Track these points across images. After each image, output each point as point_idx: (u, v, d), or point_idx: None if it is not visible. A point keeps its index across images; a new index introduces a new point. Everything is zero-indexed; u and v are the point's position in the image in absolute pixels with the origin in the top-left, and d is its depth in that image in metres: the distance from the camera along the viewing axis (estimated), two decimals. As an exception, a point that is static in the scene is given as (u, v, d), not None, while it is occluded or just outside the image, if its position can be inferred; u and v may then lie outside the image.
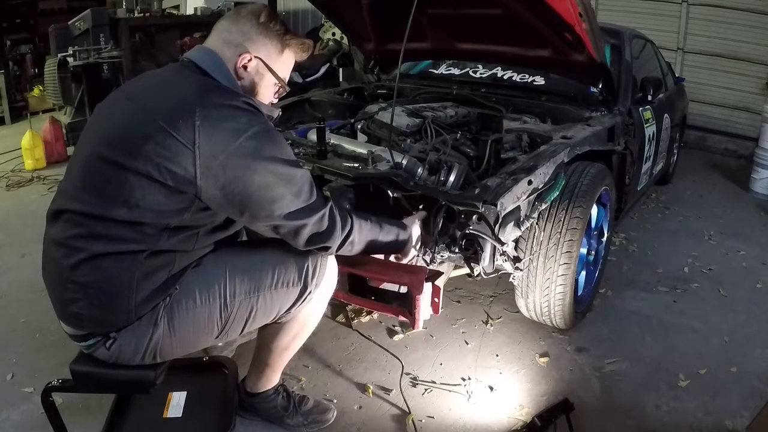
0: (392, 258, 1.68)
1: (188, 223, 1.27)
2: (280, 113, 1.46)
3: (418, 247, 1.69)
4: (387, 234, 1.52)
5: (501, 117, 2.50)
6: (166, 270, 1.28)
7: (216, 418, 1.53)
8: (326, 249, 1.41)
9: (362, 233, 1.44)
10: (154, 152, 1.18)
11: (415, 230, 1.65)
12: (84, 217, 1.23)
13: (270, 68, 1.38)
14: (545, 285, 2.04)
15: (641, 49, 3.43)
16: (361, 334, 2.27)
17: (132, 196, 1.19)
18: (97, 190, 1.22)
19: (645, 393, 2.00)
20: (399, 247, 1.59)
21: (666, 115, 3.40)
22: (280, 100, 1.54)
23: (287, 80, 1.45)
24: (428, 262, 1.79)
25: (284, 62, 1.42)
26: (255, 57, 1.35)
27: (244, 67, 1.35)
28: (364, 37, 2.94)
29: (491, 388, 1.99)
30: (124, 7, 5.85)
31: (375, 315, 2.37)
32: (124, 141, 1.22)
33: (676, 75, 4.57)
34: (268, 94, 1.42)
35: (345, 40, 5.59)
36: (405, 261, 1.70)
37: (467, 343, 2.25)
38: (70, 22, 5.17)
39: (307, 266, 1.45)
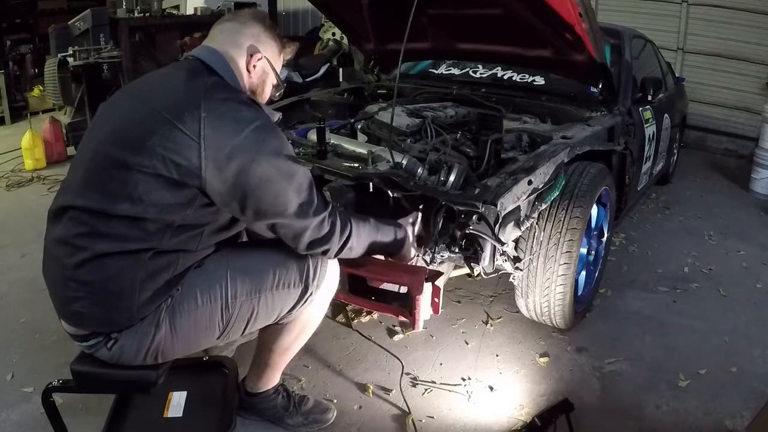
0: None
1: (191, 221, 1.27)
2: (280, 117, 1.49)
3: (415, 246, 1.69)
4: (384, 235, 1.54)
5: (501, 117, 2.51)
6: (169, 271, 1.28)
7: (216, 418, 1.53)
8: (326, 252, 1.42)
9: (360, 237, 1.46)
10: (159, 145, 1.19)
11: (410, 231, 1.66)
12: (87, 214, 1.23)
13: (273, 67, 1.45)
14: (545, 285, 2.04)
15: (641, 49, 3.43)
16: (361, 334, 2.27)
17: (135, 191, 1.20)
18: (102, 186, 1.23)
19: (645, 393, 2.00)
20: (396, 247, 1.60)
21: (666, 115, 3.40)
22: (280, 99, 1.57)
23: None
24: (428, 262, 1.79)
25: (281, 62, 1.50)
26: (264, 57, 1.42)
27: (254, 67, 1.41)
28: (364, 37, 2.94)
29: (491, 388, 1.99)
30: (124, 7, 5.84)
31: (375, 315, 2.37)
32: (128, 137, 1.23)
33: (676, 75, 4.57)
34: (269, 92, 1.49)
35: (345, 40, 5.58)
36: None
37: (467, 343, 2.25)
38: (70, 22, 5.16)
39: (308, 267, 1.45)
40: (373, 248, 1.52)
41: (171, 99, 1.26)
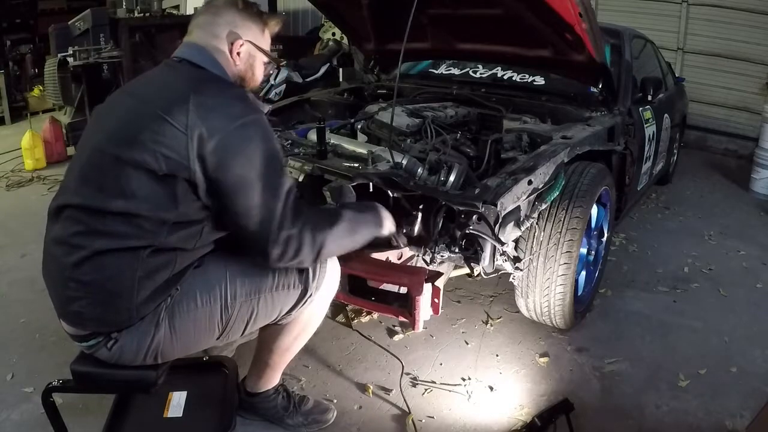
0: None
1: (185, 218, 1.27)
2: (270, 109, 1.48)
3: (395, 232, 1.63)
4: (361, 225, 1.47)
5: (501, 117, 2.51)
6: (168, 269, 1.28)
7: (216, 418, 1.53)
8: (300, 264, 1.36)
9: (335, 241, 1.38)
10: (150, 139, 1.20)
11: (385, 212, 1.59)
12: (83, 211, 1.24)
13: (259, 48, 1.44)
14: (545, 285, 2.04)
15: (641, 49, 3.43)
16: (361, 334, 2.27)
17: (128, 187, 1.21)
18: (97, 183, 1.24)
19: (645, 393, 2.00)
20: (377, 230, 1.53)
21: (666, 115, 3.40)
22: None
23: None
24: (428, 262, 1.79)
25: (267, 39, 1.48)
26: (246, 41, 1.40)
27: (238, 53, 1.40)
28: (364, 37, 2.94)
29: (491, 388, 1.99)
30: (124, 7, 5.84)
31: (375, 315, 2.37)
32: (123, 133, 1.24)
33: (676, 75, 4.57)
34: (261, 72, 1.48)
35: (345, 40, 5.58)
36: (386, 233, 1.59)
37: (467, 343, 2.25)
38: (70, 22, 5.16)
39: (308, 268, 1.45)
40: (354, 243, 1.46)
41: (163, 95, 1.27)
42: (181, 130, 1.20)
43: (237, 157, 1.23)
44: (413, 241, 1.79)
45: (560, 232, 1.99)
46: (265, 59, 1.46)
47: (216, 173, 1.22)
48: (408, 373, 2.05)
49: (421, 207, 1.76)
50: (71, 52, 4.76)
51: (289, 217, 1.28)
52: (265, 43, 1.47)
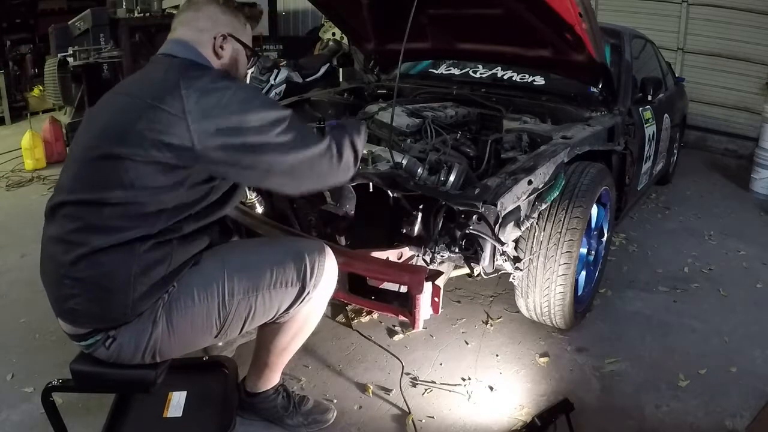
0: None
1: (184, 200, 1.28)
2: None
3: None
4: (357, 131, 1.53)
5: (501, 117, 2.50)
6: (164, 266, 1.29)
7: (216, 418, 1.53)
8: (355, 164, 1.45)
9: (358, 137, 1.49)
10: (146, 128, 1.21)
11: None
12: (80, 207, 1.25)
13: (241, 41, 1.47)
14: (545, 285, 2.04)
15: (641, 49, 3.43)
16: (361, 334, 2.27)
17: (126, 178, 1.22)
18: (93, 179, 1.26)
19: (645, 393, 2.00)
20: (362, 132, 1.59)
21: (666, 115, 3.40)
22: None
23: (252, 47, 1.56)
24: (428, 262, 1.79)
25: (248, 32, 1.51)
26: (228, 35, 1.43)
27: (221, 47, 1.42)
28: (364, 37, 2.94)
29: (491, 388, 1.99)
30: (124, 7, 5.82)
31: (375, 315, 2.37)
32: (116, 129, 1.25)
33: (676, 75, 4.57)
34: (244, 64, 1.52)
35: (345, 40, 5.59)
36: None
37: (467, 343, 2.25)
38: (70, 22, 5.17)
39: (305, 266, 1.45)
40: (362, 142, 1.54)
41: (152, 87, 1.29)
42: (179, 115, 1.21)
43: (247, 118, 1.25)
44: (413, 241, 1.78)
45: (560, 232, 1.99)
46: (247, 52, 1.49)
47: (232, 140, 1.24)
48: (408, 373, 2.05)
49: (421, 207, 1.76)
50: (71, 52, 4.77)
51: (315, 134, 1.39)
52: (247, 36, 1.49)
